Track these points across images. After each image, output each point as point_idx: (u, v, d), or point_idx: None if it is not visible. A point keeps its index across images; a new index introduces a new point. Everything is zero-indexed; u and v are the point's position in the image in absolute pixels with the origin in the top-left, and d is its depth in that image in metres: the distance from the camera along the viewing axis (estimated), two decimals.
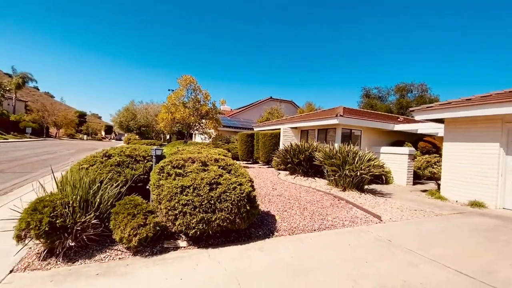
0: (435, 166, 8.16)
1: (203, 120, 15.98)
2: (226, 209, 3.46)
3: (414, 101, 32.61)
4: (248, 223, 3.84)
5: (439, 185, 8.07)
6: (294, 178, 9.54)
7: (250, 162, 16.73)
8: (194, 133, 21.12)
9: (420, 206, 6.37)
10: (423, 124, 11.32)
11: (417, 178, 10.81)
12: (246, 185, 3.75)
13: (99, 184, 3.83)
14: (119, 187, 3.94)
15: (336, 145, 11.12)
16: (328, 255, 3.39)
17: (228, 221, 3.47)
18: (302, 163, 9.65)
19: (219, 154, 5.23)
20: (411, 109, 8.08)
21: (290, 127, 14.08)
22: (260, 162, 15.38)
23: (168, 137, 39.41)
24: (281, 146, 12.93)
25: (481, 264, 3.23)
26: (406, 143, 12.12)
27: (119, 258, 3.19)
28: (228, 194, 3.52)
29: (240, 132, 17.83)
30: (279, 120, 17.91)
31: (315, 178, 9.53)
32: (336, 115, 10.38)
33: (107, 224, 3.51)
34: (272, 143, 13.56)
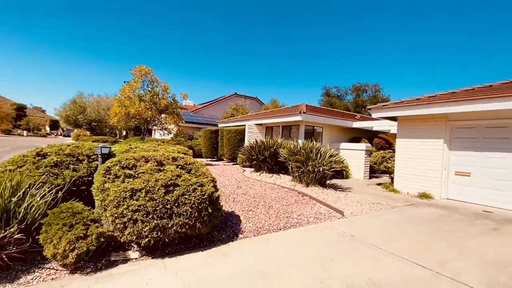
0: (389, 161, 8.73)
1: (162, 115, 14.99)
2: (185, 213, 3.11)
3: (368, 101, 35.08)
4: (210, 227, 3.54)
5: (392, 178, 8.66)
6: (260, 175, 9.43)
7: (214, 159, 16.25)
8: (153, 129, 19.80)
9: (377, 199, 6.72)
10: (378, 122, 12.11)
11: (373, 172, 11.54)
12: (208, 185, 3.44)
13: (27, 189, 3.18)
14: (53, 192, 3.31)
15: (299, 141, 11.29)
16: (294, 255, 3.27)
17: (187, 226, 3.13)
18: (267, 160, 9.57)
19: (178, 152, 4.81)
20: (368, 107, 8.49)
21: (255, 124, 13.96)
22: (225, 159, 15.02)
23: (124, 133, 36.53)
24: (246, 143, 12.74)
25: (435, 254, 3.41)
26: (363, 139, 12.87)
27: (52, 279, 2.65)
28: (187, 196, 3.17)
29: (204, 128, 17.20)
30: (244, 117, 17.69)
31: (280, 174, 9.55)
32: (300, 112, 10.51)
33: (37, 238, 2.90)
34: (237, 140, 13.29)
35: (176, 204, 3.10)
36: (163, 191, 3.10)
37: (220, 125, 18.62)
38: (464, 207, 6.21)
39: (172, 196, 3.10)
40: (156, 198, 3.03)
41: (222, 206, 3.89)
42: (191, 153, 5.61)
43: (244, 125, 13.81)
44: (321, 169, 7.46)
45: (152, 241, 2.96)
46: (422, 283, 2.68)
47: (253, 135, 13.48)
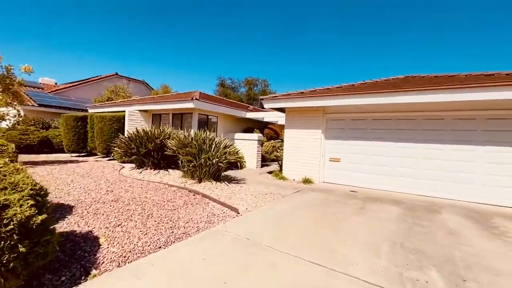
0: (278, 150, 9.14)
1: None
2: None
3: (259, 94, 37.70)
4: (28, 275, 2.14)
5: (281, 166, 9.14)
6: (142, 172, 7.82)
7: (83, 154, 12.81)
8: None
9: (270, 189, 6.76)
10: (268, 113, 12.70)
11: (264, 160, 12.06)
12: (20, 207, 2.01)
13: None
14: None
15: (192, 131, 10.27)
16: (176, 285, 2.40)
17: None
18: (152, 154, 8.05)
19: None
20: (261, 97, 8.51)
21: (139, 110, 11.74)
22: (98, 154, 11.99)
23: None
24: (126, 134, 10.50)
25: (325, 245, 3.38)
26: (255, 130, 13.25)
27: None
28: None
29: (67, 114, 13.15)
30: (126, 101, 14.75)
31: (169, 170, 8.28)
32: (192, 99, 9.46)
33: None
34: (114, 129, 10.76)
35: None
36: None
37: (91, 111, 14.82)
38: (338, 189, 7.14)
39: None
40: None
41: (55, 234, 2.49)
42: (11, 149, 3.59)
43: (124, 112, 11.34)
44: (215, 162, 6.81)
45: None
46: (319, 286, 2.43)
47: (135, 124, 11.29)
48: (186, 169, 7.05)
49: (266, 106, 8.59)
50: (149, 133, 8.18)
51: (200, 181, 6.86)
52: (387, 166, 7.25)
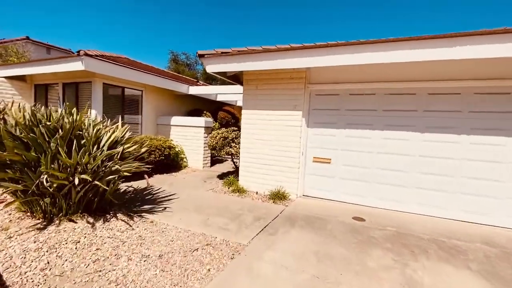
0: (233, 144, 5.74)
1: None
2: None
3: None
4: None
5: (237, 168, 5.80)
6: None
7: None
8: None
9: (209, 226, 3.40)
10: (223, 88, 9.10)
11: (216, 156, 8.61)
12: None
13: None
14: None
15: (93, 112, 6.30)
16: None
17: None
18: None
19: None
20: (199, 51, 4.89)
21: (8, 77, 7.14)
22: None
23: None
24: None
25: None
26: (204, 112, 9.59)
27: None
28: None
29: None
30: None
31: None
32: (79, 54, 5.39)
33: None
34: None
35: None
36: None
37: None
38: (332, 214, 4.05)
39: None
40: None
41: None
42: None
43: None
44: (80, 180, 3.14)
45: None
46: None
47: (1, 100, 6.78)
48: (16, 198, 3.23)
49: (209, 69, 5.03)
50: None
51: (50, 221, 3.14)
52: (405, 171, 4.38)
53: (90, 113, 6.31)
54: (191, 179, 6.25)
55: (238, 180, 5.53)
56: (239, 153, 5.61)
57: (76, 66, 5.53)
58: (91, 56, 5.51)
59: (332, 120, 4.85)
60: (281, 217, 3.94)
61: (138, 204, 4.20)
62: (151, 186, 5.33)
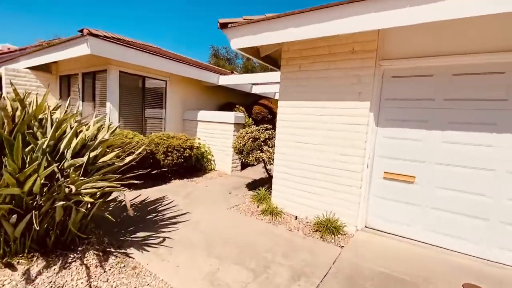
0: (265, 148, 4.30)
1: None
2: None
3: (259, 66, 32.15)
4: None
5: (271, 178, 4.35)
6: None
7: None
8: None
9: None
10: (258, 75, 7.70)
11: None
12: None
13: None
14: None
15: (108, 105, 5.52)
16: None
17: None
18: None
19: None
20: (221, 20, 3.52)
21: (30, 67, 6.78)
22: None
23: None
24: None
25: None
26: (237, 106, 8.34)
27: None
28: None
29: None
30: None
31: None
32: (82, 34, 4.50)
33: None
34: None
35: None
36: None
37: None
38: (424, 270, 2.37)
39: None
40: None
41: None
42: None
43: None
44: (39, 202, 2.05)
45: None
46: None
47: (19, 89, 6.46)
48: None
49: (235, 44, 3.65)
50: None
51: None
52: None
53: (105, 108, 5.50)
54: (214, 188, 5.02)
55: (270, 195, 4.11)
56: (273, 159, 4.16)
57: (81, 50, 4.68)
58: (97, 36, 4.59)
59: (420, 116, 3.07)
60: (336, 274, 2.40)
61: (131, 228, 3.07)
62: (161, 198, 4.23)
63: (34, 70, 6.73)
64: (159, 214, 3.58)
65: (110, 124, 2.76)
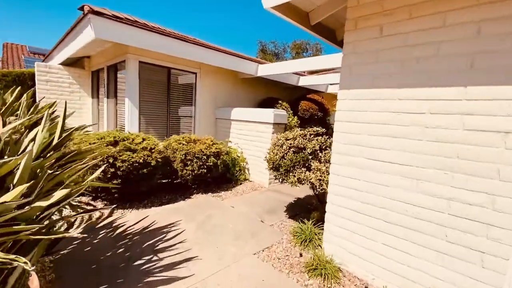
0: (315, 164, 2.82)
1: None
2: None
3: None
4: None
5: (322, 204, 2.87)
6: None
7: None
8: None
9: None
10: (305, 60, 6.04)
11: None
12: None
13: None
14: None
15: (126, 101, 4.73)
16: None
17: None
18: None
19: None
20: None
21: (65, 63, 6.48)
22: None
23: None
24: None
25: None
26: (280, 102, 6.93)
27: None
28: None
29: None
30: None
31: None
32: (85, 14, 3.63)
33: None
34: None
35: None
36: None
37: None
38: None
39: None
40: None
41: None
42: None
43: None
44: None
45: None
46: None
47: (55, 93, 6.19)
48: None
49: (267, 1, 2.27)
50: None
51: None
52: None
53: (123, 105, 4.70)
54: (242, 210, 3.76)
55: (321, 234, 2.65)
56: (326, 182, 2.68)
57: (87, 35, 3.87)
58: (102, 15, 3.68)
59: None
60: None
61: (102, 287, 2.00)
62: (169, 225, 3.14)
63: (66, 67, 6.43)
64: (154, 258, 2.46)
65: (55, 124, 1.69)
